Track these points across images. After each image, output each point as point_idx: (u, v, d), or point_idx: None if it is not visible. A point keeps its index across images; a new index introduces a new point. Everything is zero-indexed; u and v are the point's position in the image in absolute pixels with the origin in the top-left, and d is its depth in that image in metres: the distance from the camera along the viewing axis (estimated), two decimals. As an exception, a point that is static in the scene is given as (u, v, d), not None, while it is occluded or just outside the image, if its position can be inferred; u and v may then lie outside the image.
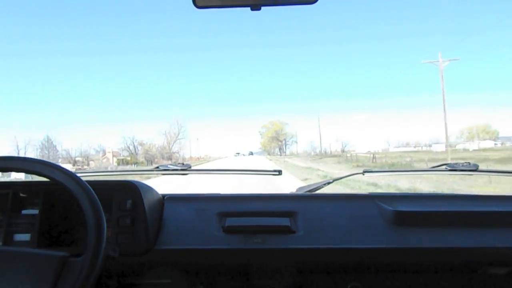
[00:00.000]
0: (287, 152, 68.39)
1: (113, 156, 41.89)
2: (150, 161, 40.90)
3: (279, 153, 69.66)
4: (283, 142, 71.83)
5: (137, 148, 44.82)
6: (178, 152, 52.09)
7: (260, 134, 75.91)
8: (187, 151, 56.94)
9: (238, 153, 75.01)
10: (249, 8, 0.88)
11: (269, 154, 70.63)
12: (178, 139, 52.36)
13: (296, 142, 70.44)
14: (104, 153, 42.34)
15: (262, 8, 0.88)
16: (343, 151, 47.96)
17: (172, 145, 51.35)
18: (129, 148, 44.83)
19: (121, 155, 43.97)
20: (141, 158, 41.87)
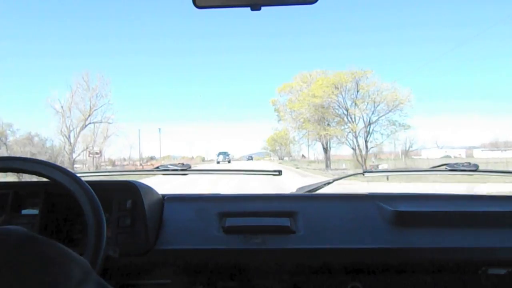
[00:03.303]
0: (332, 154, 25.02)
1: None
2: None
3: (323, 159, 26.88)
4: (366, 125, 21.94)
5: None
6: (97, 153, 25.29)
7: (276, 110, 29.83)
8: (135, 151, 29.04)
9: (225, 153, 39.44)
10: (249, 8, 0.88)
11: (280, 158, 37.87)
12: (92, 123, 24.68)
13: (407, 128, 22.64)
14: None
15: (262, 8, 0.88)
16: (405, 153, 27.14)
17: (77, 136, 24.21)
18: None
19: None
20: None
